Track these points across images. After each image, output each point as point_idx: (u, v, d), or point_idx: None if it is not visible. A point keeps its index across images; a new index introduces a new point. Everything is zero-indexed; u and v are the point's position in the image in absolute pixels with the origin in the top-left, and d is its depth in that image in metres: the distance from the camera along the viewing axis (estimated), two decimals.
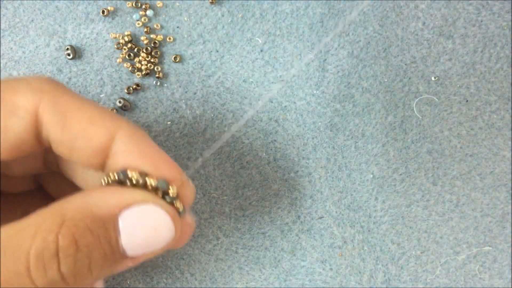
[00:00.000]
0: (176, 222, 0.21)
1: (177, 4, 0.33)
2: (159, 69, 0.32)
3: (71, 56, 0.32)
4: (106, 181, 0.21)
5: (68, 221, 0.19)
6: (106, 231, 0.20)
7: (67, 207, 0.19)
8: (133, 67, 0.32)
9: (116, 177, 0.21)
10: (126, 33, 0.32)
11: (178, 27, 0.33)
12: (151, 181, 0.21)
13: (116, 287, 0.32)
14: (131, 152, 0.21)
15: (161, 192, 0.21)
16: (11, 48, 0.33)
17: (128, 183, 0.21)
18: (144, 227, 0.20)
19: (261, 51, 0.33)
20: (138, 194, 0.21)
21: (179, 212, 0.22)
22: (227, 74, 0.33)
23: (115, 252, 0.20)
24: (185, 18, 0.33)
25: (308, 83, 0.33)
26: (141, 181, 0.21)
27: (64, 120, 0.21)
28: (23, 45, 0.32)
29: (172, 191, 0.21)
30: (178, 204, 0.22)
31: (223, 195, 0.32)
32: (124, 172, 0.21)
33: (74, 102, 0.21)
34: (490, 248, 0.33)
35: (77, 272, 0.19)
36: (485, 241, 0.33)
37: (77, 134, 0.21)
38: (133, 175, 0.21)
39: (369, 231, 0.33)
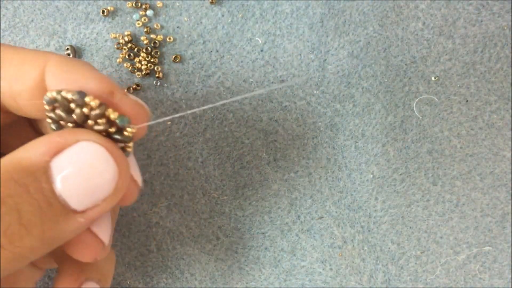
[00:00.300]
0: (117, 156, 0.19)
1: (177, 4, 0.33)
2: (159, 69, 0.32)
3: (71, 56, 0.32)
4: (47, 101, 0.19)
5: None
6: (35, 180, 0.18)
7: None
8: (133, 67, 0.32)
9: (46, 106, 0.19)
10: (126, 33, 0.32)
11: (178, 27, 0.33)
12: (66, 94, 0.19)
13: (116, 287, 0.32)
14: (61, 79, 0.20)
15: (115, 128, 0.19)
16: None
17: (75, 114, 0.19)
18: (80, 170, 0.18)
19: (261, 51, 0.33)
20: (68, 134, 0.19)
21: (125, 151, 0.20)
22: (227, 74, 0.33)
23: (53, 204, 0.18)
24: (185, 18, 0.33)
25: (308, 83, 0.33)
26: (59, 96, 0.19)
27: None
28: (23, 45, 0.32)
29: (89, 100, 0.19)
30: (109, 112, 0.19)
31: (223, 195, 0.32)
32: (46, 95, 0.19)
33: (5, 50, 0.21)
34: (490, 248, 0.33)
35: (7, 230, 0.17)
36: (485, 241, 0.33)
37: (11, 79, 0.20)
38: (52, 93, 0.19)
39: (369, 231, 0.33)
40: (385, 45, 0.33)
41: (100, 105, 0.19)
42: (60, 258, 0.24)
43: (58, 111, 0.19)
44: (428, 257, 0.33)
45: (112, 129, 0.19)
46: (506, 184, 0.33)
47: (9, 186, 0.17)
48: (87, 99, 0.19)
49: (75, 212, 0.18)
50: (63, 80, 0.20)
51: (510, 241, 0.33)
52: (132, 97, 0.21)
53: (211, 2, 0.33)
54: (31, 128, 0.26)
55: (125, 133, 0.19)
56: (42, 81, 0.20)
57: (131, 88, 0.32)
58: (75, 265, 0.24)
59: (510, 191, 0.33)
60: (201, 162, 0.32)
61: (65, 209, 0.18)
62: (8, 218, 0.17)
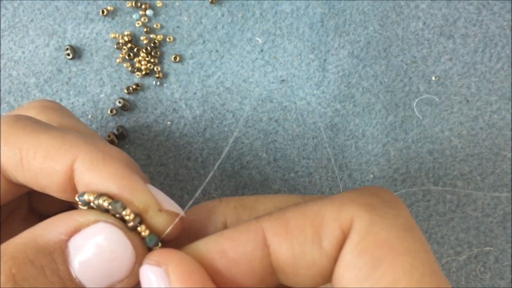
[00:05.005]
0: (134, 240, 0.18)
1: (177, 3, 0.33)
2: (159, 69, 0.32)
3: (70, 56, 0.32)
4: (82, 202, 0.19)
5: (7, 254, 0.17)
6: (52, 262, 0.17)
7: (11, 241, 0.17)
8: (132, 67, 0.32)
9: (80, 203, 0.19)
10: (125, 33, 0.32)
11: (178, 26, 0.33)
12: (103, 202, 0.18)
13: None
14: (92, 183, 0.19)
15: (134, 222, 0.19)
16: (11, 48, 0.32)
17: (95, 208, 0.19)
18: (97, 251, 0.18)
19: (261, 51, 0.33)
20: (88, 215, 0.18)
21: (144, 240, 0.19)
22: (227, 74, 0.33)
23: (68, 285, 0.17)
24: (185, 18, 0.33)
25: (309, 83, 0.33)
26: (96, 202, 0.18)
27: (21, 161, 0.19)
28: (22, 45, 0.32)
29: (126, 213, 0.18)
30: (142, 229, 0.19)
31: (223, 195, 0.32)
32: (81, 195, 0.19)
33: (29, 138, 0.20)
34: (491, 248, 0.33)
35: None
36: (486, 242, 0.33)
37: (36, 173, 0.19)
38: (89, 197, 0.18)
39: None
40: (386, 45, 0.33)
41: (134, 218, 0.18)
42: None
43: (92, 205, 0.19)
44: None
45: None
46: (507, 184, 0.33)
47: (25, 268, 0.17)
48: (123, 212, 0.18)
49: None
50: (94, 184, 0.19)
51: (511, 241, 0.33)
52: (169, 206, 0.19)
53: (211, 2, 0.33)
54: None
55: (123, 215, 0.19)
56: (71, 178, 0.19)
57: (130, 88, 0.32)
58: None
59: (511, 191, 0.33)
60: (201, 162, 0.32)
61: None
62: None
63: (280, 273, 0.18)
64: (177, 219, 0.19)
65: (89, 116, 0.32)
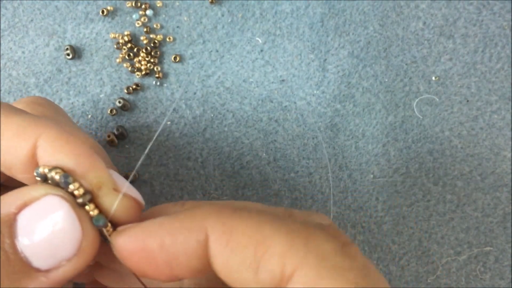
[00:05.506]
0: (83, 218, 0.18)
1: (177, 3, 0.33)
2: (159, 69, 0.32)
3: (70, 56, 0.32)
4: (38, 175, 0.19)
5: None
6: None
7: None
8: (132, 67, 0.32)
9: (38, 178, 0.19)
10: (125, 33, 0.32)
11: (178, 26, 0.33)
12: (55, 175, 0.18)
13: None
14: (52, 158, 0.19)
15: (83, 198, 0.18)
16: (11, 48, 0.32)
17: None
18: (44, 225, 0.17)
19: (261, 51, 0.33)
20: (39, 188, 0.18)
21: (92, 219, 0.18)
22: (227, 74, 0.33)
23: (12, 260, 0.17)
24: (185, 18, 0.33)
25: (309, 83, 0.33)
26: (50, 175, 0.18)
27: None
28: (22, 45, 0.32)
29: (74, 187, 0.18)
30: (90, 207, 0.18)
31: (223, 195, 0.32)
32: (38, 168, 0.19)
33: (1, 119, 0.20)
34: (491, 248, 0.33)
35: None
36: (486, 242, 0.33)
37: (4, 152, 0.19)
38: (44, 169, 0.18)
39: (370, 231, 0.33)
40: (386, 45, 0.33)
41: (84, 194, 0.18)
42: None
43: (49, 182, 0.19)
44: (429, 258, 0.33)
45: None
46: (507, 184, 0.33)
47: None
48: (71, 186, 0.18)
49: (37, 270, 0.17)
50: (53, 159, 0.19)
51: (511, 241, 0.33)
52: (126, 189, 0.19)
53: (211, 2, 0.33)
54: None
55: (71, 189, 0.18)
56: (34, 155, 0.19)
57: (130, 88, 0.32)
58: None
59: (511, 191, 0.33)
60: (201, 162, 0.32)
61: (27, 267, 0.17)
62: None
63: (215, 270, 0.18)
64: (120, 196, 0.19)
65: (89, 116, 0.32)
